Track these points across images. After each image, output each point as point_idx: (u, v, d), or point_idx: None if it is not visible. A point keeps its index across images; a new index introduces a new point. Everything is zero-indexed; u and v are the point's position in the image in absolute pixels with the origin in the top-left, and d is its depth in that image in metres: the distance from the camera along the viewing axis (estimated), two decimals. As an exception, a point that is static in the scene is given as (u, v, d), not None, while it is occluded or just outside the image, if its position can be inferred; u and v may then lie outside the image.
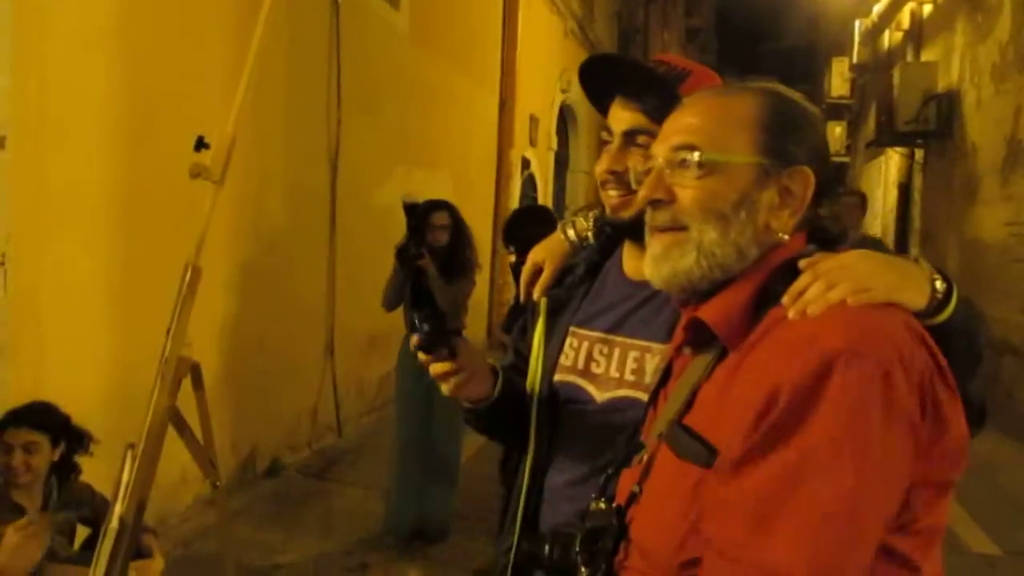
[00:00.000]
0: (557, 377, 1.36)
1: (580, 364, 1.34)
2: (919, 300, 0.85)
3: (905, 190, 8.73)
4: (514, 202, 9.13)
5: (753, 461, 0.77)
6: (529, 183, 10.05)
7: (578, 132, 12.96)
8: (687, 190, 0.92)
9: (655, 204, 0.95)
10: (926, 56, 8.32)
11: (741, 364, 0.86)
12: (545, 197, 10.67)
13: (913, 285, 0.86)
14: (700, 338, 0.94)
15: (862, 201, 5.00)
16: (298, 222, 4.62)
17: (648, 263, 0.97)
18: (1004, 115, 6.21)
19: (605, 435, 1.21)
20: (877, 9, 9.65)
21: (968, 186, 6.89)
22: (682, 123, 0.96)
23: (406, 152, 5.97)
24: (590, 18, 12.36)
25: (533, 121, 9.82)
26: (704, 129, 0.93)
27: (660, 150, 0.96)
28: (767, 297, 0.88)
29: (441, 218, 3.62)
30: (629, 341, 1.28)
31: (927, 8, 8.32)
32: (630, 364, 1.27)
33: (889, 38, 9.77)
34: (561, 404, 1.35)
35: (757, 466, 0.77)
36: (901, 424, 0.76)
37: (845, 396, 0.75)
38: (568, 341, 1.37)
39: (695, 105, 0.98)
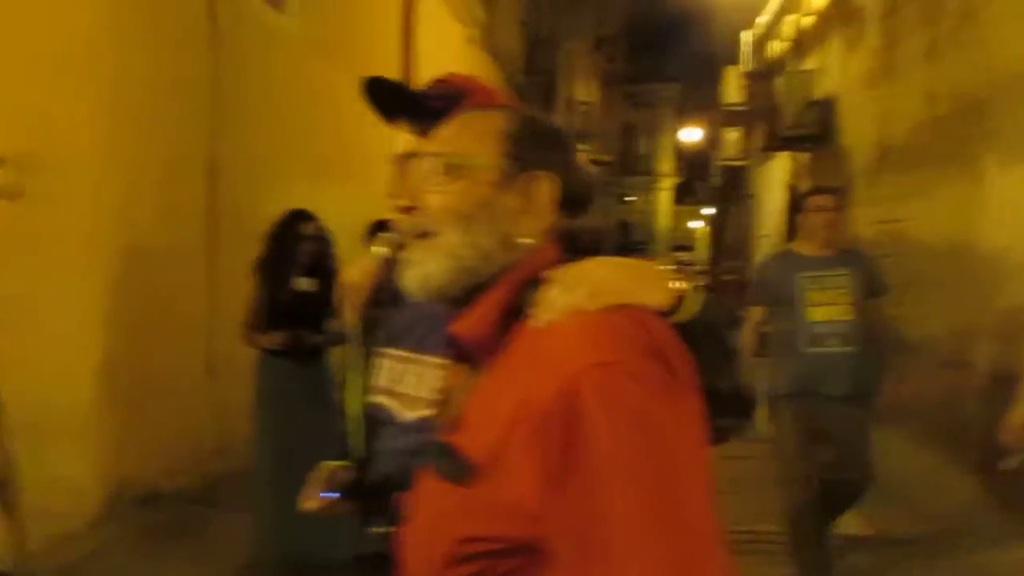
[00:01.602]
0: (370, 398, 1.34)
1: (388, 384, 1.33)
2: (658, 299, 0.88)
3: (792, 191, 9.11)
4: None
5: (555, 496, 0.76)
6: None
7: (484, 139, 12.99)
8: (434, 195, 0.95)
9: (407, 211, 0.98)
10: (808, 65, 8.71)
11: (496, 379, 0.88)
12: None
13: (650, 286, 0.89)
14: (461, 352, 0.95)
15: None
16: (170, 237, 4.44)
17: (404, 272, 0.98)
18: (873, 120, 6.56)
19: (412, 457, 1.20)
20: (762, 20, 10.07)
21: (846, 187, 7.23)
22: (437, 137, 1.00)
23: (298, 162, 5.84)
24: (494, 25, 12.44)
25: (435, 129, 9.77)
26: (454, 139, 0.98)
27: (416, 163, 0.99)
28: (516, 308, 0.89)
29: (309, 228, 3.56)
30: (432, 359, 1.27)
31: (807, 20, 8.72)
32: (433, 383, 1.26)
33: (775, 48, 10.19)
34: (375, 426, 1.33)
35: (561, 500, 0.75)
36: (671, 409, 0.78)
37: (606, 410, 0.75)
38: (379, 361, 1.36)
39: (453, 121, 1.02)
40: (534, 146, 0.96)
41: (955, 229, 4.96)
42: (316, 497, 1.31)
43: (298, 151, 5.90)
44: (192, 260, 4.70)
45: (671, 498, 0.75)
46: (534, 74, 16.84)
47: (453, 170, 0.94)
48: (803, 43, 8.97)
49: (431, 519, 0.89)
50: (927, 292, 5.41)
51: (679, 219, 41.14)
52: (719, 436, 1.05)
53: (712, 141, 16.24)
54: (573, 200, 0.99)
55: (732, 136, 12.28)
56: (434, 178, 0.95)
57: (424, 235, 0.95)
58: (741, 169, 12.72)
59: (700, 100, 22.16)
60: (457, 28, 10.64)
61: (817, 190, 3.35)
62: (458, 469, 0.84)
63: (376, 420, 1.34)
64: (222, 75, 4.72)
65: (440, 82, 1.30)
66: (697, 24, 18.77)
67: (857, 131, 7.04)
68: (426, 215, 0.95)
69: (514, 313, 0.89)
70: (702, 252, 30.27)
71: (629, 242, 38.44)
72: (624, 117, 40.58)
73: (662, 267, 0.95)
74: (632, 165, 41.06)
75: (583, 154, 28.13)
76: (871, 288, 3.19)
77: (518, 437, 0.78)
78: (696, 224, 36.75)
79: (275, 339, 3.54)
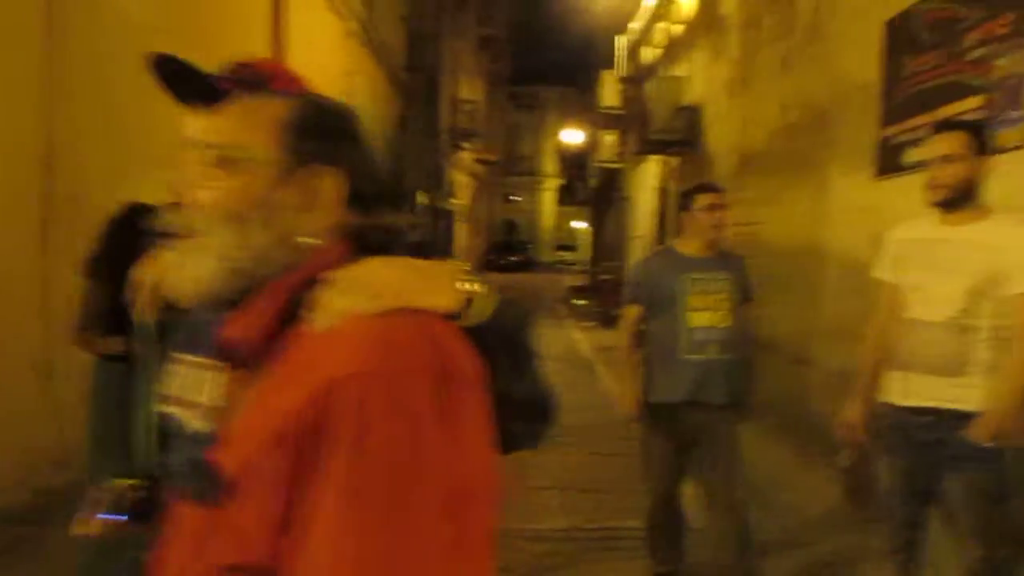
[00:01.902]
0: (162, 407, 1.23)
1: (179, 393, 1.21)
2: (446, 302, 0.83)
3: (663, 194, 9.42)
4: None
5: (308, 518, 0.70)
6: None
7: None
8: (204, 191, 0.87)
9: (175, 208, 0.89)
10: (678, 71, 9.02)
11: (264, 388, 0.81)
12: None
13: (437, 288, 0.84)
14: (238, 359, 0.87)
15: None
16: (0, 229, 4.04)
17: (172, 274, 0.88)
18: (734, 127, 6.86)
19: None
20: (635, 26, 10.38)
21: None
22: (212, 125, 0.90)
23: (141, 153, 5.44)
24: (374, 20, 12.20)
25: (310, 123, 9.47)
26: (228, 129, 0.88)
27: (188, 154, 0.90)
28: (292, 312, 0.82)
29: (149, 223, 3.30)
30: (218, 365, 1.17)
31: (677, 28, 9.03)
32: (217, 391, 1.16)
33: (648, 54, 10.51)
34: (167, 438, 1.21)
35: (313, 526, 0.70)
36: (433, 425, 0.73)
37: (350, 426, 0.70)
38: (172, 367, 1.24)
39: (229, 109, 0.92)
40: (318, 137, 0.89)
41: (802, 233, 5.24)
42: (94, 520, 1.17)
43: (141, 142, 5.52)
44: (25, 254, 4.30)
45: (397, 531, 0.71)
46: (417, 71, 16.67)
47: (226, 163, 0.86)
48: (673, 50, 9.29)
49: (186, 544, 0.81)
50: (778, 293, 5.71)
51: (563, 219, 42.02)
52: (516, 443, 1.01)
53: (592, 143, 16.59)
54: (365, 196, 0.93)
55: (609, 139, 12.59)
56: (205, 171, 0.87)
57: (193, 234, 0.87)
58: (617, 171, 13.07)
59: (582, 102, 22.63)
60: (334, 21, 10.33)
61: (703, 187, 3.16)
62: (208, 489, 0.77)
63: (168, 432, 1.22)
64: (59, 62, 4.34)
65: (241, 66, 1.19)
66: (579, 27, 19.14)
67: (721, 137, 7.35)
68: (195, 212, 0.87)
69: (290, 317, 0.83)
70: (586, 252, 30.93)
71: (514, 241, 38.88)
72: (509, 118, 41.02)
73: (454, 268, 0.90)
74: (517, 165, 41.54)
75: (468, 153, 28.16)
76: (744, 293, 3.13)
77: (270, 452, 0.71)
78: (580, 225, 37.53)
79: (114, 344, 3.26)
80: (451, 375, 0.78)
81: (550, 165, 43.20)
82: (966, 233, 2.39)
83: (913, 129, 3.87)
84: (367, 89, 12.11)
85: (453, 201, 26.62)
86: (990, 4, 3.30)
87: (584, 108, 19.76)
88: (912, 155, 3.87)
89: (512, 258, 34.47)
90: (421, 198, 19.31)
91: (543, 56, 33.99)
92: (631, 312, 3.19)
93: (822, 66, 5.03)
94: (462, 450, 0.78)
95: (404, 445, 0.72)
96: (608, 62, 13.83)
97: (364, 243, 0.92)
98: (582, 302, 16.39)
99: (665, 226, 9.52)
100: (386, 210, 0.98)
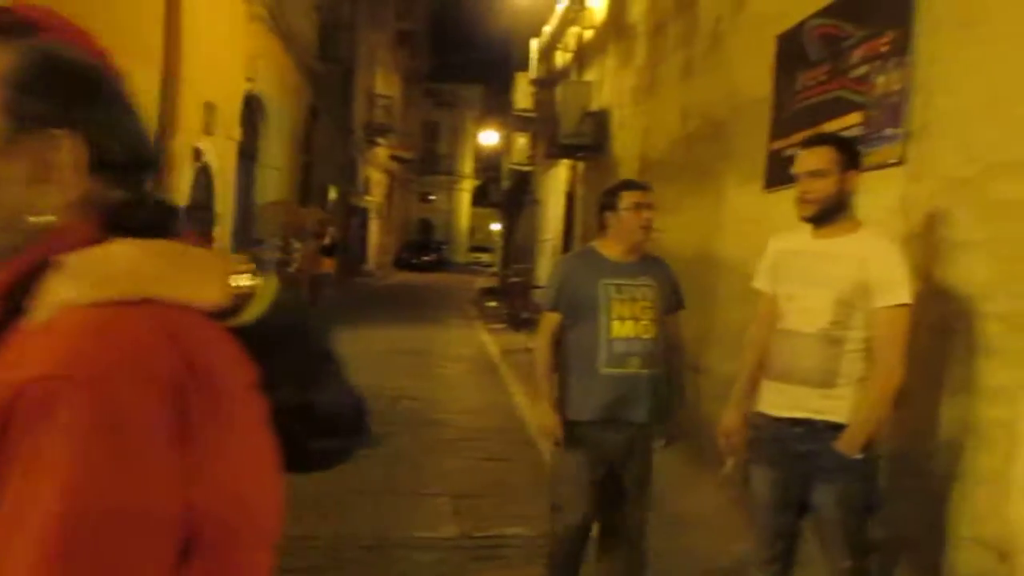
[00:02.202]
0: None
1: None
2: (209, 296, 0.70)
3: (570, 198, 9.44)
4: (182, 194, 8.33)
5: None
6: (204, 175, 9.25)
7: (269, 124, 12.32)
8: None
9: None
10: (588, 76, 9.05)
11: None
12: (225, 191, 9.92)
13: (196, 279, 0.71)
14: None
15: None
16: None
17: None
18: (638, 134, 6.91)
19: None
20: (548, 30, 10.39)
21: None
22: None
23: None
24: (282, 6, 11.80)
25: (209, 108, 9.05)
26: None
27: None
28: (16, 302, 0.68)
29: None
30: None
31: (588, 33, 9.07)
32: None
33: (560, 58, 10.53)
34: None
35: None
36: (154, 450, 0.60)
37: (27, 437, 0.58)
38: None
39: None
40: (54, 100, 0.73)
41: (700, 242, 5.29)
42: None
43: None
44: None
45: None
46: (330, 61, 16.25)
47: None
48: (584, 55, 9.32)
49: None
50: (676, 299, 5.76)
51: (481, 221, 41.99)
52: (316, 461, 0.88)
53: (506, 145, 16.57)
54: (117, 165, 0.78)
55: (521, 141, 12.58)
56: None
57: None
58: (529, 174, 13.07)
59: (501, 103, 22.60)
60: (239, 4, 9.91)
61: (629, 185, 2.94)
62: None
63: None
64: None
65: (5, 11, 1.00)
66: (499, 26, 19.08)
67: (626, 143, 7.40)
68: None
69: (13, 309, 0.68)
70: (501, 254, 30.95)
71: (429, 241, 38.59)
72: (427, 115, 40.70)
73: (227, 258, 0.76)
74: (434, 164, 41.24)
75: (384, 149, 27.75)
76: (670, 302, 2.92)
77: None
78: (497, 226, 37.63)
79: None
80: (199, 384, 0.64)
81: (468, 165, 43.07)
82: (835, 246, 2.41)
83: (800, 143, 3.94)
84: (273, 75, 11.69)
85: (367, 198, 26.19)
86: (873, 22, 3.37)
87: (502, 109, 19.73)
88: (800, 168, 3.93)
89: (426, 258, 34.16)
90: (332, 193, 18.87)
91: (463, 54, 33.78)
92: (550, 320, 2.91)
93: (721, 77, 5.09)
94: (212, 478, 0.64)
95: (104, 471, 0.58)
96: (525, 64, 13.82)
97: (122, 222, 0.77)
98: (492, 304, 16.35)
99: (572, 230, 9.54)
100: (145, 182, 0.83)
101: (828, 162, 2.41)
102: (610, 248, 2.85)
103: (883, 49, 3.29)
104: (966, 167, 2.70)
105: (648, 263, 2.90)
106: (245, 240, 11.41)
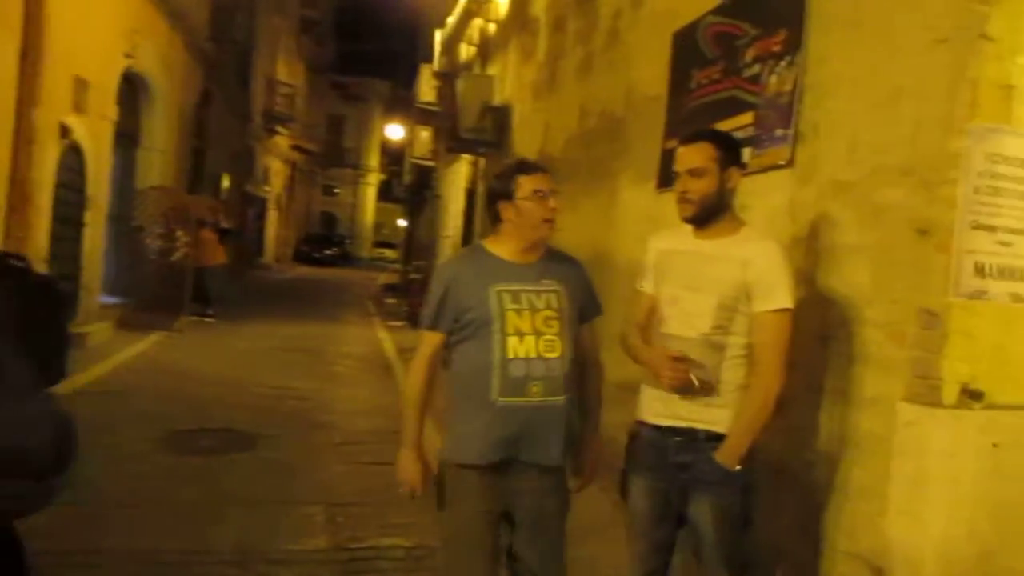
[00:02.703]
0: None
1: None
2: None
3: (471, 195, 9.24)
4: (46, 173, 7.64)
5: None
6: (74, 155, 8.51)
7: (153, 105, 11.54)
8: None
9: None
10: (491, 70, 8.87)
11: None
12: (99, 173, 9.18)
13: None
14: None
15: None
16: None
17: None
18: (538, 130, 6.78)
19: None
20: (451, 21, 10.16)
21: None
22: None
23: None
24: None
25: (80, 84, 8.34)
26: None
27: None
28: None
29: None
30: None
31: (491, 26, 8.89)
32: None
33: (465, 51, 10.32)
34: None
35: None
36: None
37: None
38: None
39: None
40: None
41: (597, 242, 5.19)
42: None
43: None
44: None
45: None
46: (224, 43, 15.43)
47: None
48: (488, 48, 9.14)
49: None
50: (570, 299, 5.64)
51: (387, 216, 41.23)
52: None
53: (410, 139, 16.24)
54: None
55: (424, 135, 12.29)
56: None
57: None
58: (431, 169, 12.78)
59: (408, 97, 22.15)
60: (113, -29, 9.17)
61: (526, 168, 2.37)
62: None
63: None
64: None
65: None
66: (407, 18, 18.67)
67: (526, 140, 7.26)
68: None
69: None
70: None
71: (332, 235, 37.60)
72: (333, 107, 39.66)
73: None
74: (339, 157, 40.24)
75: (285, 139, 26.77)
76: (585, 308, 2.44)
77: None
78: (404, 222, 37.09)
79: None
80: None
81: (374, 159, 42.24)
82: (717, 247, 2.31)
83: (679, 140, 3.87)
84: (157, 53, 10.96)
85: (265, 188, 25.19)
86: (766, 21, 3.32)
87: (409, 103, 19.34)
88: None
89: (328, 252, 33.22)
90: (226, 181, 17.98)
91: (370, 45, 33.03)
92: (428, 341, 2.33)
93: (619, 74, 5.00)
94: None
95: None
96: (430, 56, 13.53)
97: None
98: (393, 301, 15.97)
99: (472, 227, 9.35)
100: None
101: (707, 159, 2.29)
102: (504, 246, 2.32)
103: (775, 48, 3.23)
104: (851, 170, 2.64)
105: (552, 262, 2.36)
106: (124, 226, 10.65)
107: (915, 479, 2.25)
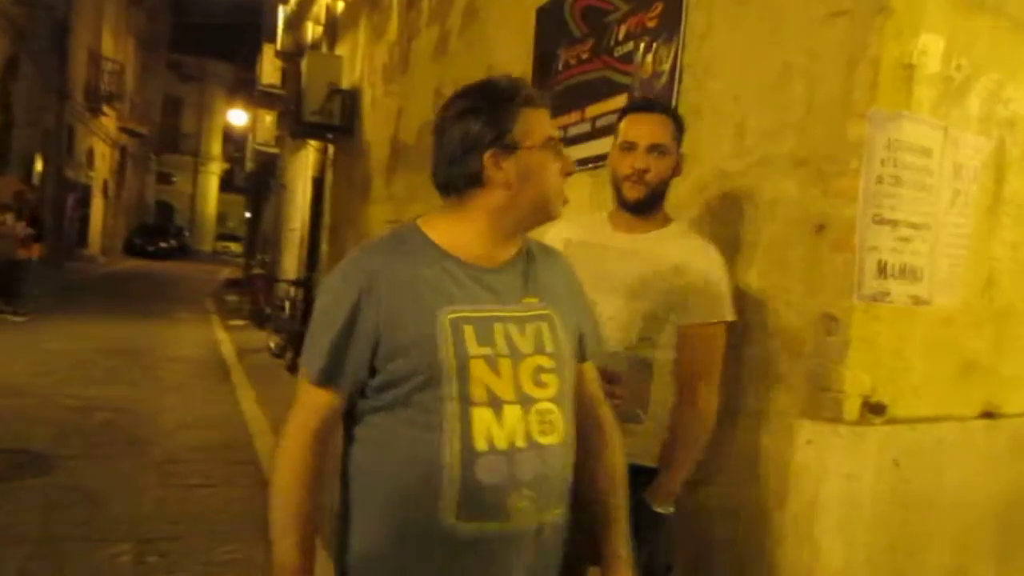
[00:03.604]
0: None
1: None
2: None
3: (319, 184, 8.58)
4: None
5: None
6: None
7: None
8: None
9: None
10: (340, 51, 8.24)
11: None
12: None
13: None
14: None
15: None
16: None
17: None
18: (390, 116, 6.27)
19: None
20: (295, -2, 9.47)
21: (364, 183, 6.87)
22: None
23: None
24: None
25: None
26: None
27: None
28: None
29: None
30: None
31: (340, 4, 8.27)
32: None
33: (311, 30, 9.59)
34: None
35: None
36: None
37: None
38: None
39: None
40: None
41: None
42: None
43: None
44: None
45: None
46: (36, 7, 13.68)
47: None
48: (336, 28, 8.50)
49: None
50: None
51: (232, 207, 38.76)
52: None
53: (253, 124, 15.15)
54: None
55: (267, 120, 11.39)
56: None
57: None
58: (275, 156, 11.89)
59: (251, 80, 20.74)
60: None
61: (534, 97, 1.33)
62: None
63: None
64: None
65: None
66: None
67: (376, 126, 6.73)
68: None
69: None
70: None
71: (168, 226, 34.83)
72: (170, 89, 36.78)
73: None
74: (177, 143, 37.42)
75: (112, 120, 24.37)
76: (586, 343, 1.44)
77: None
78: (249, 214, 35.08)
79: None
80: None
81: (216, 147, 39.64)
82: (645, 244, 1.94)
83: (563, 127, 3.53)
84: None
85: (90, 173, 22.85)
86: (641, -5, 3.03)
87: (252, 86, 18.11)
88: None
89: (163, 244, 30.69)
90: (39, 164, 16.03)
91: (212, 23, 30.83)
92: (313, 402, 1.28)
93: (478, 54, 4.61)
94: None
95: None
96: (274, 34, 12.58)
97: None
98: (234, 298, 14.81)
99: (320, 220, 8.68)
100: None
101: (671, 136, 1.95)
102: (465, 233, 1.32)
103: (650, 24, 2.95)
104: (738, 159, 2.38)
105: (534, 264, 1.39)
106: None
107: (813, 503, 2.01)
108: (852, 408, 2.00)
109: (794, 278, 2.12)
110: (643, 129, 1.95)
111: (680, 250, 1.94)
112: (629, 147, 1.95)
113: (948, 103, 2.14)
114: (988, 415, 2.34)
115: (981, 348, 2.30)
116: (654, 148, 1.93)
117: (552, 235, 2.00)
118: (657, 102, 2.15)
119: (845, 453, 1.97)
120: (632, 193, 1.94)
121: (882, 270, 2.03)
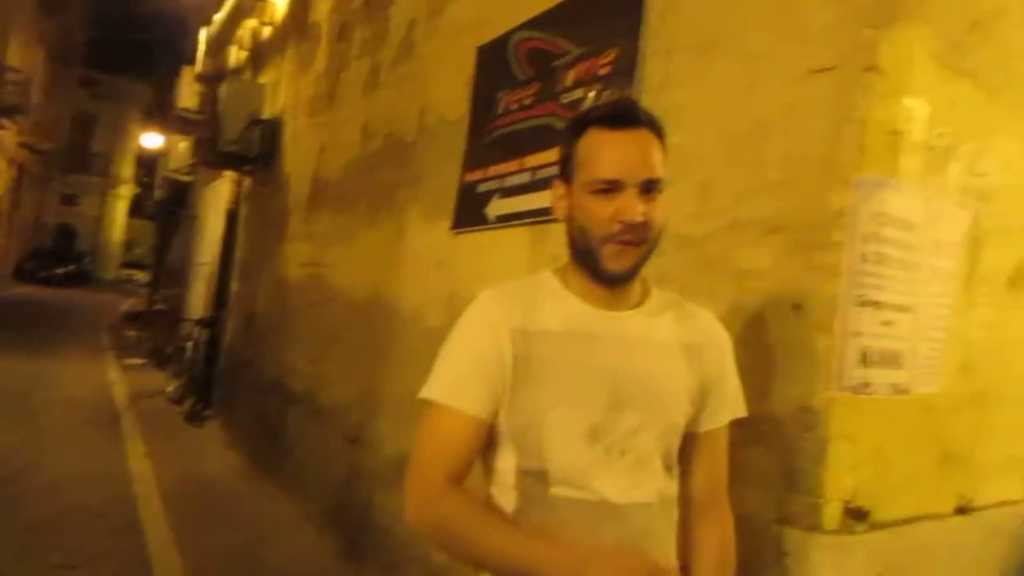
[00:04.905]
0: None
1: None
2: None
3: (233, 218, 8.06)
4: None
5: None
6: None
7: None
8: None
9: None
10: (264, 78, 7.82)
11: None
12: None
13: None
14: None
15: None
16: None
17: None
18: (312, 150, 5.90)
19: None
20: (219, 18, 8.98)
21: (282, 220, 6.43)
22: None
23: None
24: None
25: None
26: None
27: None
28: None
29: None
30: None
31: (267, 30, 7.87)
32: None
33: (235, 54, 9.14)
34: None
35: None
36: None
37: None
38: None
39: None
40: None
41: (376, 284, 4.41)
42: None
43: None
44: None
45: None
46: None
47: None
48: (262, 54, 8.09)
49: None
50: (343, 352, 4.79)
51: (142, 233, 36.85)
52: None
53: (168, 149, 14.40)
54: None
55: (182, 146, 10.78)
56: None
57: None
58: (189, 185, 11.23)
59: (168, 102, 19.84)
60: None
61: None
62: None
63: None
64: None
65: None
66: (173, 14, 16.63)
67: (299, 160, 6.33)
68: None
69: None
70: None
71: (69, 251, 32.79)
72: (81, 105, 35.04)
73: None
74: (85, 163, 35.55)
75: (10, 133, 22.87)
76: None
77: None
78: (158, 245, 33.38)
79: None
80: None
81: (128, 169, 37.87)
82: (639, 325, 1.37)
83: (500, 176, 3.26)
84: None
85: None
86: (592, 39, 2.80)
87: (169, 109, 17.29)
88: (498, 206, 3.24)
89: (60, 270, 28.82)
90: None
91: (132, 41, 29.63)
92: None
93: (411, 91, 4.31)
94: None
95: None
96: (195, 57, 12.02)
97: None
98: (133, 333, 13.85)
99: (232, 255, 8.13)
100: None
101: (663, 164, 1.34)
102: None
103: (603, 72, 2.72)
104: (703, 223, 2.14)
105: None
106: None
107: (787, 624, 1.73)
108: (833, 515, 1.75)
109: (768, 363, 1.87)
110: (631, 156, 1.29)
111: (687, 331, 1.42)
112: (609, 188, 1.29)
113: (930, 173, 1.96)
114: (961, 510, 2.14)
115: (958, 437, 2.11)
116: (650, 185, 1.30)
117: (486, 319, 1.35)
118: (639, 106, 1.41)
119: (827, 569, 1.71)
120: (619, 263, 1.31)
121: (864, 358, 1.80)
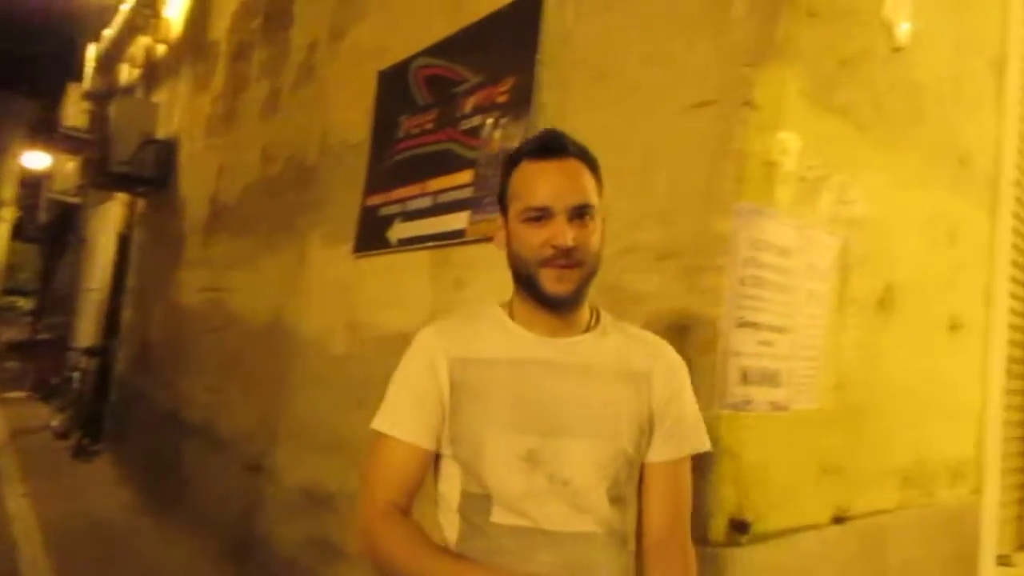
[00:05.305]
0: None
1: None
2: None
3: (125, 242, 7.71)
4: None
5: None
6: None
7: None
8: None
9: None
10: (159, 97, 7.55)
11: None
12: None
13: None
14: None
15: None
16: None
17: None
18: (209, 172, 5.73)
19: None
20: (109, 34, 8.63)
21: (178, 244, 6.21)
22: None
23: None
24: None
25: None
26: None
27: None
28: None
29: None
30: None
31: (161, 47, 7.62)
32: None
33: (127, 72, 8.79)
34: None
35: None
36: None
37: None
38: None
39: None
40: None
41: (276, 309, 4.32)
42: None
43: None
44: None
45: None
46: None
47: None
48: (155, 73, 7.81)
49: None
50: (242, 379, 4.64)
51: (26, 257, 34.58)
52: None
53: (55, 170, 13.67)
54: None
55: (70, 166, 10.23)
56: None
57: None
58: (77, 208, 10.66)
59: (55, 120, 18.78)
60: None
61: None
62: None
63: None
64: None
65: None
66: (61, 27, 15.80)
67: (195, 182, 6.13)
68: None
69: None
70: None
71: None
72: (-44, 123, 32.78)
73: None
74: (-39, 183, 33.21)
75: None
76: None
77: None
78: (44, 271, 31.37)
79: None
80: None
81: (10, 191, 35.54)
82: (590, 351, 1.40)
83: (402, 200, 3.27)
84: None
85: None
86: (489, 67, 2.86)
87: (56, 127, 16.39)
88: (400, 230, 3.25)
89: (-73, 298, 26.73)
90: None
91: (15, 54, 27.99)
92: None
93: (312, 114, 4.27)
94: None
95: None
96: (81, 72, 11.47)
97: None
98: (14, 364, 12.97)
99: (124, 282, 7.77)
100: None
101: (595, 188, 1.41)
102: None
103: (500, 100, 2.78)
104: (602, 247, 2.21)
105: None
106: None
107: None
108: (718, 528, 1.82)
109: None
110: (559, 184, 1.35)
111: (635, 356, 1.43)
112: (540, 215, 1.35)
113: (802, 202, 2.10)
114: (838, 520, 2.27)
115: (834, 450, 2.24)
116: (579, 211, 1.35)
117: (426, 347, 1.41)
118: (567, 137, 1.44)
119: (713, 581, 1.78)
120: (560, 286, 1.35)
121: (745, 376, 1.90)
